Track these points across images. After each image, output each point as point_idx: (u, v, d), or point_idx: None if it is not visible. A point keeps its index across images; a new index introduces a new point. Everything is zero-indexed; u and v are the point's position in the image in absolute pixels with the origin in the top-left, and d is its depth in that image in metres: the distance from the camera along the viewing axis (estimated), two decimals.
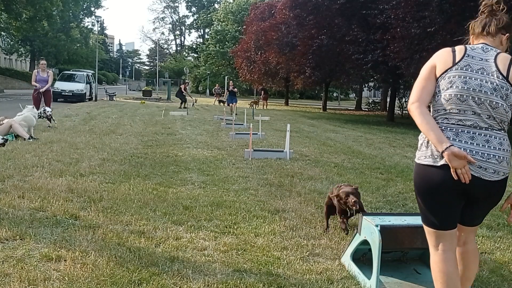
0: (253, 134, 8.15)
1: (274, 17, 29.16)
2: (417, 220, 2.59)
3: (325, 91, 34.83)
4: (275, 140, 10.38)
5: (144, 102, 27.62)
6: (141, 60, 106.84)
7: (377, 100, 38.37)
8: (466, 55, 2.24)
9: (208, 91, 51.28)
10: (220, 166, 6.59)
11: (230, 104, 21.00)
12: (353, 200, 3.55)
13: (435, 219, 2.27)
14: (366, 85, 34.76)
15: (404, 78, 21.22)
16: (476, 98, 2.17)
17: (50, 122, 10.39)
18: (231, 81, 25.87)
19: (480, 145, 2.15)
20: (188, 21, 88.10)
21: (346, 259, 3.11)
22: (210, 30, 60.73)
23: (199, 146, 8.64)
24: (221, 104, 28.25)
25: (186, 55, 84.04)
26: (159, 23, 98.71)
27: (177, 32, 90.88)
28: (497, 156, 2.15)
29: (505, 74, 2.16)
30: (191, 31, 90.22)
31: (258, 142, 9.58)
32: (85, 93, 26.40)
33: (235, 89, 22.02)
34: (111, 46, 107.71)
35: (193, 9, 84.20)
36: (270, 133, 11.84)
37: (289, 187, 5.41)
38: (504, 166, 2.17)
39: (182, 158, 7.15)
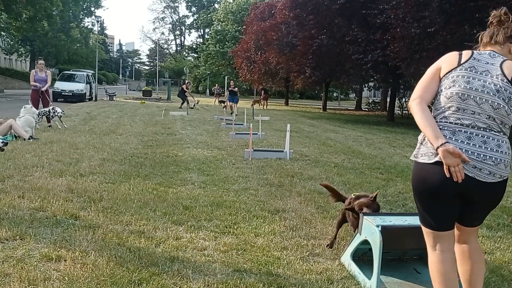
0: (253, 134, 8.15)
1: (274, 17, 29.15)
2: (417, 220, 2.58)
3: (325, 91, 34.83)
4: (275, 140, 10.38)
5: (144, 102, 27.62)
6: (141, 60, 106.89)
7: (377, 100, 38.37)
8: (472, 58, 2.26)
9: (208, 91, 51.28)
10: (220, 166, 6.59)
11: (230, 103, 20.97)
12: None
13: (431, 220, 2.28)
14: (366, 85, 34.76)
15: (404, 78, 21.24)
16: (478, 98, 2.17)
17: (61, 122, 10.47)
18: (232, 81, 25.86)
19: (477, 146, 2.14)
20: (188, 21, 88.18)
21: (346, 258, 3.11)
22: (210, 30, 60.72)
23: (199, 146, 8.64)
24: (221, 104, 28.27)
25: (186, 55, 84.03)
26: (159, 23, 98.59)
27: (177, 32, 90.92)
28: (493, 158, 2.13)
29: (509, 78, 2.17)
30: (191, 31, 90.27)
31: (258, 142, 9.58)
32: (85, 93, 26.39)
33: (236, 89, 21.99)
34: (111, 46, 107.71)
35: (193, 9, 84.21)
36: (270, 133, 11.84)
37: (289, 187, 5.41)
38: (501, 168, 2.15)
39: (182, 158, 7.15)
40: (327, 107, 33.39)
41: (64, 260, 2.89)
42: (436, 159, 2.16)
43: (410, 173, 2.42)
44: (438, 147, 2.12)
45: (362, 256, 3.13)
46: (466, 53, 2.30)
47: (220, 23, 56.22)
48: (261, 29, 30.74)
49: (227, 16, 55.33)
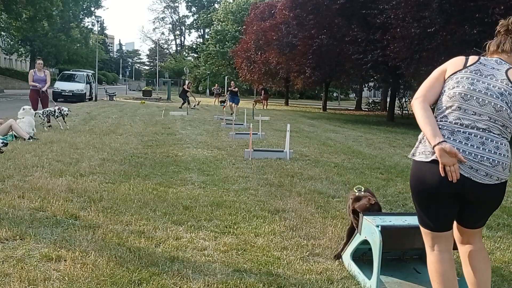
0: (253, 134, 8.15)
1: (274, 17, 29.15)
2: (417, 220, 2.59)
3: (325, 91, 34.83)
4: (275, 140, 10.38)
5: (144, 102, 27.62)
6: (141, 60, 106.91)
7: (377, 100, 38.37)
8: (478, 62, 2.28)
9: (208, 91, 51.29)
10: (220, 166, 6.59)
11: (230, 103, 20.96)
12: None
13: (428, 220, 2.30)
14: (366, 85, 34.74)
15: (404, 78, 21.24)
16: (480, 99, 2.17)
17: (65, 122, 10.54)
18: (232, 82, 25.85)
19: (475, 147, 2.14)
20: (188, 21, 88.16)
21: (346, 258, 3.11)
22: (210, 30, 60.70)
23: (199, 146, 8.64)
24: (222, 104, 28.27)
25: (186, 55, 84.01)
26: (159, 23, 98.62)
27: (177, 32, 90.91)
28: (491, 159, 2.12)
29: None
30: (191, 31, 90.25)
31: (258, 142, 9.58)
32: (85, 93, 26.40)
33: (236, 89, 21.98)
34: (111, 46, 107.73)
35: (193, 9, 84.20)
36: (270, 133, 11.84)
37: (289, 187, 5.41)
38: (499, 170, 2.14)
39: (182, 158, 7.15)
40: (327, 107, 33.39)
41: (64, 260, 2.89)
42: (433, 157, 2.16)
43: (410, 173, 2.42)
44: (435, 146, 2.13)
45: (362, 256, 3.14)
46: (472, 58, 2.32)
47: (220, 23, 56.20)
48: (261, 29, 30.74)
49: (227, 16, 55.31)
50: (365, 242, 2.92)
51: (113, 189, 4.76)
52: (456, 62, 2.33)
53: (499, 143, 2.15)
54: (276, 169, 6.47)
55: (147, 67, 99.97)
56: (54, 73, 52.79)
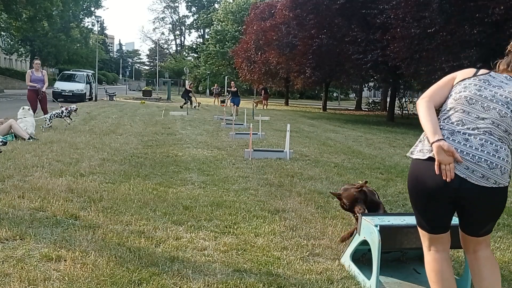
0: (253, 134, 8.16)
1: (274, 17, 29.15)
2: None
3: (325, 91, 34.83)
4: (275, 140, 10.38)
5: (144, 102, 27.62)
6: (141, 60, 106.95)
7: (377, 100, 38.37)
8: (488, 74, 2.32)
9: (208, 91, 51.31)
10: (220, 166, 6.59)
11: (231, 104, 20.95)
12: (360, 211, 3.12)
13: (424, 222, 2.31)
14: (366, 85, 34.74)
15: (404, 78, 21.24)
16: (485, 105, 2.19)
17: (71, 119, 10.81)
18: (232, 82, 25.86)
19: (473, 148, 2.13)
20: (188, 21, 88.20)
21: (346, 259, 3.11)
22: (210, 30, 60.72)
23: (199, 146, 8.65)
24: (222, 104, 28.28)
25: (186, 55, 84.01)
26: (159, 23, 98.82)
27: (177, 32, 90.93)
28: (489, 161, 2.10)
29: None
30: (191, 31, 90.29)
31: (258, 142, 9.58)
32: (85, 93, 26.41)
33: (235, 89, 21.97)
34: (111, 46, 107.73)
35: (193, 9, 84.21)
36: (270, 133, 11.84)
37: (289, 187, 5.41)
38: (497, 174, 2.10)
39: (182, 158, 7.15)
40: (327, 107, 33.40)
41: (64, 260, 2.89)
42: (430, 155, 2.16)
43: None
44: (433, 142, 2.13)
45: (362, 257, 3.14)
46: (483, 70, 2.37)
47: (220, 23, 56.21)
48: (261, 29, 30.75)
49: (227, 16, 55.32)
50: (364, 243, 2.92)
51: (113, 189, 4.77)
52: (466, 71, 2.39)
53: (498, 146, 2.14)
54: (276, 169, 6.47)
55: (147, 67, 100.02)
56: (54, 73, 52.83)
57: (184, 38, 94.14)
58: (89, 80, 28.32)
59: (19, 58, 55.79)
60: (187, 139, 9.70)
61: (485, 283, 2.25)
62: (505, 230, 4.12)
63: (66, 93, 24.56)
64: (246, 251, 3.25)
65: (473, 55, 14.18)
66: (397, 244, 2.95)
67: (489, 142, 2.13)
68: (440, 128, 2.20)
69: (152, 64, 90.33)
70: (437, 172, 2.10)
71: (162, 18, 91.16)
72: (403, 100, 27.73)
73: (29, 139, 7.97)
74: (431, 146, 2.15)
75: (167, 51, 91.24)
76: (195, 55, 73.97)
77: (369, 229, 2.85)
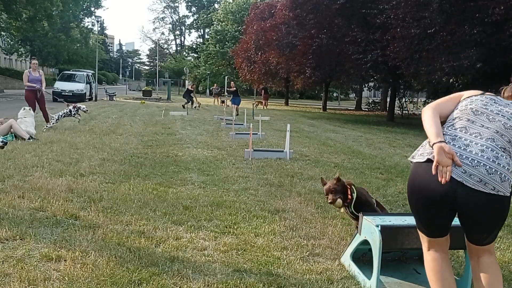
0: (253, 134, 8.15)
1: (274, 17, 29.15)
2: None
3: (325, 91, 34.83)
4: (275, 140, 10.38)
5: (144, 102, 27.63)
6: (141, 60, 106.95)
7: (377, 100, 38.35)
8: (495, 96, 2.37)
9: (208, 91, 51.33)
10: (220, 166, 6.59)
11: (232, 104, 20.95)
12: (329, 201, 3.27)
13: (423, 227, 2.32)
14: (366, 85, 34.71)
15: (404, 78, 21.23)
16: (491, 117, 2.21)
17: (79, 115, 11.08)
18: (232, 82, 25.85)
19: (473, 152, 2.12)
20: (188, 21, 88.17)
21: (346, 259, 3.11)
22: (210, 30, 60.71)
23: (199, 146, 8.65)
24: (222, 104, 28.30)
25: (186, 55, 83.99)
26: (159, 23, 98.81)
27: (177, 32, 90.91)
28: (488, 167, 2.07)
29: None
30: (191, 31, 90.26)
31: (258, 142, 9.58)
32: (85, 93, 26.41)
33: (233, 89, 21.95)
34: (111, 46, 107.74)
35: (193, 9, 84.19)
36: (270, 133, 11.84)
37: (289, 187, 5.41)
38: (496, 180, 2.07)
39: (182, 158, 7.15)
40: (327, 107, 33.39)
41: (64, 260, 2.89)
42: (429, 156, 2.16)
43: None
44: (434, 143, 2.13)
45: (362, 257, 3.14)
46: (490, 93, 2.42)
47: (220, 23, 56.19)
48: (261, 29, 30.73)
49: (227, 16, 55.30)
50: (364, 243, 2.92)
51: (113, 189, 4.76)
52: (473, 90, 2.44)
53: (499, 154, 2.12)
54: (276, 169, 6.47)
55: (147, 67, 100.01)
56: (54, 73, 52.80)
57: (184, 38, 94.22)
58: (89, 80, 28.32)
59: (19, 58, 55.80)
60: (187, 139, 9.70)
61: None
62: (505, 230, 4.11)
63: (66, 93, 24.54)
64: (246, 251, 3.25)
65: (473, 55, 14.17)
66: (397, 244, 2.95)
67: (490, 149, 2.12)
68: (443, 134, 2.21)
69: (152, 64, 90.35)
70: (433, 172, 2.09)
71: (162, 18, 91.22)
72: (403, 100, 27.71)
73: (29, 139, 7.97)
74: (432, 147, 2.14)
75: (167, 51, 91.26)
76: (195, 55, 73.94)
77: (370, 229, 2.85)
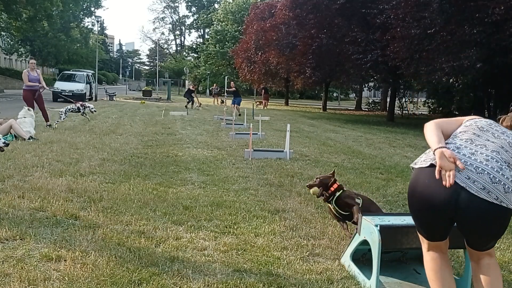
0: (253, 134, 8.15)
1: (274, 17, 29.16)
2: None
3: (325, 91, 34.85)
4: (275, 140, 10.38)
5: (144, 102, 27.63)
6: (141, 60, 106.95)
7: (377, 100, 38.38)
8: (495, 122, 2.42)
9: (208, 91, 51.36)
10: (220, 166, 6.59)
11: (232, 105, 20.95)
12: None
13: (423, 231, 2.34)
14: (366, 85, 34.77)
15: (404, 78, 21.24)
16: (496, 134, 2.25)
17: (86, 114, 11.45)
18: (232, 82, 25.84)
19: (478, 161, 2.12)
20: (188, 21, 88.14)
21: (346, 259, 3.11)
22: (210, 30, 60.71)
23: (199, 146, 8.65)
24: (222, 104, 28.31)
25: (186, 55, 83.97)
26: (159, 23, 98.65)
27: (177, 32, 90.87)
28: (492, 175, 2.06)
29: None
30: (191, 31, 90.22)
31: (258, 142, 9.58)
32: (85, 93, 26.38)
33: (233, 89, 21.95)
34: (111, 46, 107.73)
35: (193, 9, 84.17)
36: (270, 133, 11.84)
37: (289, 187, 5.41)
38: (500, 190, 2.04)
39: (182, 158, 7.15)
40: (327, 107, 33.40)
41: (64, 260, 2.89)
42: (432, 162, 2.16)
43: (410, 173, 2.43)
44: (436, 149, 2.13)
45: (362, 257, 3.14)
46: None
47: (220, 23, 56.19)
48: (261, 29, 30.75)
49: (227, 16, 55.30)
50: (364, 243, 2.92)
51: (113, 189, 4.76)
52: (476, 116, 2.50)
53: (504, 166, 2.11)
54: (276, 169, 6.47)
55: (147, 67, 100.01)
56: (54, 73, 52.77)
57: (184, 38, 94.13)
58: (89, 80, 28.31)
59: (19, 58, 55.76)
60: (187, 139, 9.70)
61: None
62: None
63: (66, 93, 24.51)
64: (246, 251, 3.25)
65: (473, 55, 14.17)
66: (397, 244, 2.96)
67: (494, 160, 2.12)
68: (447, 143, 2.23)
69: (152, 64, 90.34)
70: (437, 176, 2.09)
71: (162, 18, 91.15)
72: (403, 100, 27.74)
73: (29, 139, 7.97)
74: (433, 152, 2.15)
75: (167, 51, 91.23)
76: (195, 55, 73.94)
77: (369, 229, 2.85)
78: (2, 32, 39.47)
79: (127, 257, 2.97)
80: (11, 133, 8.05)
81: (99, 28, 65.08)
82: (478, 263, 2.28)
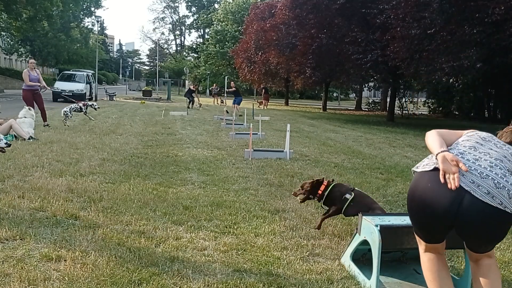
0: (253, 134, 8.15)
1: (274, 17, 29.15)
2: None
3: (325, 91, 34.83)
4: (275, 140, 10.38)
5: (144, 102, 27.63)
6: (141, 60, 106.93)
7: (377, 100, 38.37)
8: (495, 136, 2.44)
9: (208, 91, 51.36)
10: (220, 166, 6.59)
11: (233, 105, 20.94)
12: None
13: (421, 234, 2.34)
14: (366, 85, 34.75)
15: (404, 78, 21.24)
16: (498, 145, 2.26)
17: (88, 114, 11.84)
18: (232, 82, 25.82)
19: (482, 166, 2.12)
20: (188, 21, 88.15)
21: (346, 259, 3.11)
22: (210, 30, 60.73)
23: (199, 146, 8.64)
24: (222, 104, 28.30)
25: (186, 55, 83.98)
26: (159, 23, 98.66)
27: (177, 32, 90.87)
28: (496, 181, 2.06)
29: None
30: (191, 31, 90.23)
31: (258, 142, 9.58)
32: (85, 93, 26.35)
33: (234, 89, 21.94)
34: (111, 46, 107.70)
35: (193, 9, 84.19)
36: (270, 133, 11.84)
37: (289, 187, 5.40)
38: (504, 195, 2.03)
39: (182, 158, 7.15)
40: (327, 107, 33.39)
41: (64, 260, 2.89)
42: (436, 166, 2.16)
43: (410, 173, 2.43)
44: (438, 153, 2.14)
45: (362, 257, 3.14)
46: None
47: (220, 23, 56.20)
48: (261, 29, 30.75)
49: (227, 16, 55.31)
50: (364, 243, 2.92)
51: (113, 189, 4.76)
52: (475, 129, 2.53)
53: (507, 173, 2.12)
54: (276, 169, 6.47)
55: (147, 67, 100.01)
56: (54, 73, 52.76)
57: (184, 38, 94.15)
58: (89, 80, 28.29)
59: (19, 58, 55.74)
60: (187, 139, 9.70)
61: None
62: None
63: (66, 93, 24.52)
64: (246, 251, 3.25)
65: (473, 55, 14.18)
66: (397, 244, 2.96)
67: (498, 167, 2.13)
68: (450, 149, 2.24)
69: (152, 64, 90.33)
70: (442, 180, 2.08)
71: (162, 18, 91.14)
72: (403, 100, 27.72)
73: (29, 139, 7.97)
74: (436, 157, 2.15)
75: (167, 51, 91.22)
76: (195, 55, 73.95)
77: (369, 229, 2.85)
78: (2, 32, 39.48)
79: (127, 257, 2.97)
80: (11, 133, 8.04)
81: (99, 28, 65.08)
82: (477, 264, 2.28)
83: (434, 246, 2.32)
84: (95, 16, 48.16)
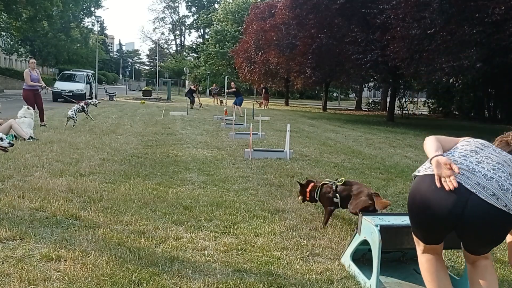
0: (253, 134, 8.15)
1: (274, 17, 29.16)
2: None
3: (325, 91, 34.82)
4: (275, 140, 10.38)
5: (144, 102, 27.62)
6: (141, 60, 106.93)
7: (377, 100, 38.38)
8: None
9: (208, 91, 51.36)
10: (220, 166, 6.59)
11: (233, 105, 20.94)
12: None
13: (420, 236, 2.35)
14: (366, 85, 34.75)
15: (404, 78, 21.23)
16: (497, 151, 2.28)
17: (89, 113, 12.16)
18: (232, 83, 25.81)
19: (485, 169, 2.13)
20: (188, 21, 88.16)
21: (346, 259, 3.11)
22: (210, 30, 60.73)
23: (199, 146, 8.64)
24: (222, 104, 28.30)
25: (186, 55, 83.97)
26: (159, 23, 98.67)
27: (177, 32, 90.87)
28: (500, 183, 2.07)
29: None
30: (191, 31, 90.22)
31: (258, 142, 9.58)
32: (85, 93, 26.33)
33: (234, 89, 21.95)
34: (111, 46, 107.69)
35: (193, 9, 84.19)
36: (270, 133, 11.84)
37: (289, 187, 5.41)
38: (508, 197, 2.04)
39: (182, 158, 7.15)
40: (327, 107, 33.39)
41: (64, 260, 2.89)
42: (429, 171, 2.20)
43: (410, 173, 2.44)
44: (432, 158, 2.17)
45: (362, 257, 3.14)
46: None
47: (220, 23, 56.21)
48: (261, 29, 30.75)
49: (227, 16, 55.31)
50: (364, 243, 2.92)
51: (113, 189, 4.76)
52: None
53: (509, 177, 2.13)
54: (276, 169, 6.47)
55: (147, 67, 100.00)
56: (54, 73, 52.77)
57: (184, 38, 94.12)
58: (89, 80, 28.28)
59: (19, 58, 55.72)
60: (187, 139, 9.70)
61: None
62: None
63: (66, 93, 24.52)
64: (246, 251, 3.25)
65: (473, 55, 14.17)
66: (397, 244, 2.96)
67: (501, 170, 2.14)
68: (449, 153, 2.26)
69: (152, 64, 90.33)
70: (438, 185, 2.10)
71: (162, 18, 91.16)
72: (403, 100, 27.72)
73: (29, 139, 7.97)
74: (430, 162, 2.18)
75: (167, 51, 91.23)
76: (195, 55, 73.95)
77: (369, 229, 2.85)
78: (2, 32, 39.47)
79: (127, 257, 2.97)
80: (11, 133, 8.04)
81: (99, 28, 65.02)
82: (474, 265, 2.29)
83: (432, 247, 2.33)
84: (95, 16, 48.15)
